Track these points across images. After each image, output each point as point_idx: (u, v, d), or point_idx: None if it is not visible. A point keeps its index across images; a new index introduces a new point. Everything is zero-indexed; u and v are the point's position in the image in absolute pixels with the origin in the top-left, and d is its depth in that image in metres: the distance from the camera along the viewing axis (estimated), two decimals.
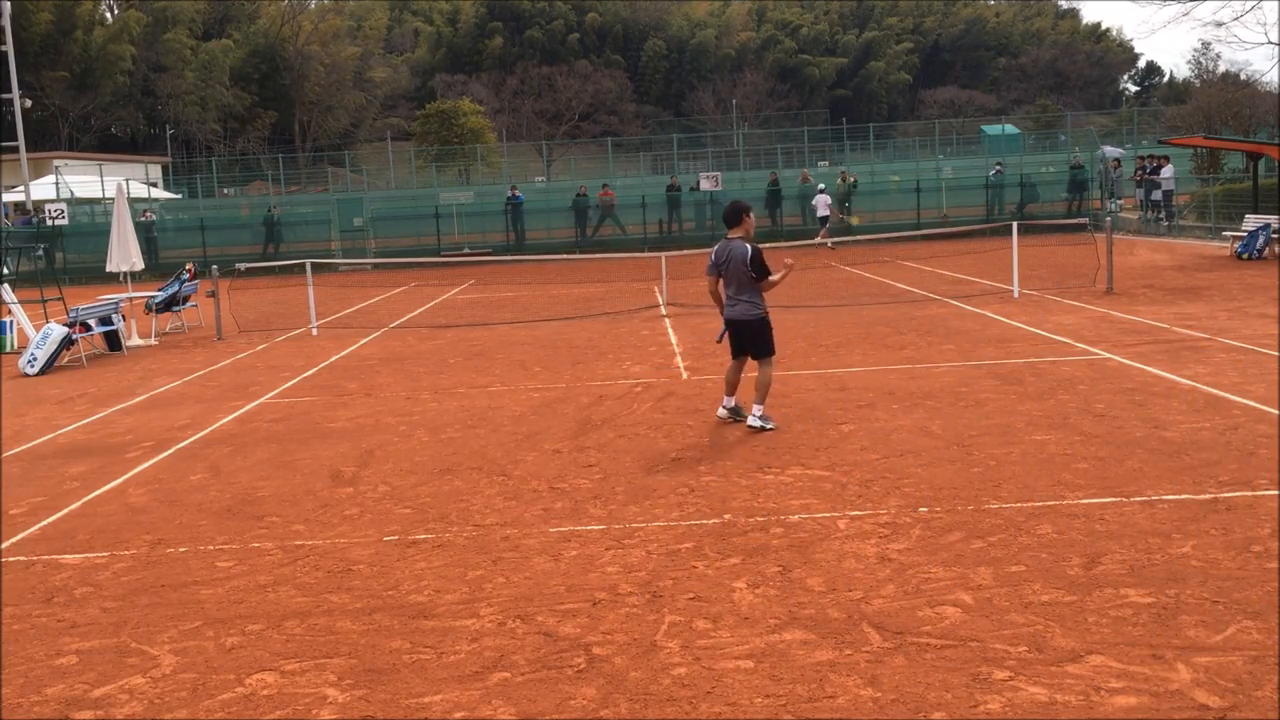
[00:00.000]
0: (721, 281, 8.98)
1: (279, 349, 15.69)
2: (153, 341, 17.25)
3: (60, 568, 6.42)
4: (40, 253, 27.26)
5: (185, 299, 19.06)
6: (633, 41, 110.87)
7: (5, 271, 17.62)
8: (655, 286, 20.40)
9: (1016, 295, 16.80)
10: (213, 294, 17.71)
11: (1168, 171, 30.36)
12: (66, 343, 14.94)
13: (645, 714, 4.22)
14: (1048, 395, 9.59)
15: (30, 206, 38.52)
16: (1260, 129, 37.12)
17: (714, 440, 8.61)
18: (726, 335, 9.12)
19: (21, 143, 39.48)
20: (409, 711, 4.35)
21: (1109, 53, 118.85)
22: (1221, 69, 77.64)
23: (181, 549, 6.62)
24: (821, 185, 33.37)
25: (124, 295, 18.16)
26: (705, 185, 35.45)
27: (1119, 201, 33.33)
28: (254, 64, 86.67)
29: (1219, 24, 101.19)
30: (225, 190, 60.14)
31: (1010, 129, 70.09)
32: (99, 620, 5.53)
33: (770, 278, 8.89)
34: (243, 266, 22.30)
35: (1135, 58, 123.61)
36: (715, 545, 6.14)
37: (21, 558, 6.65)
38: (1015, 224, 18.01)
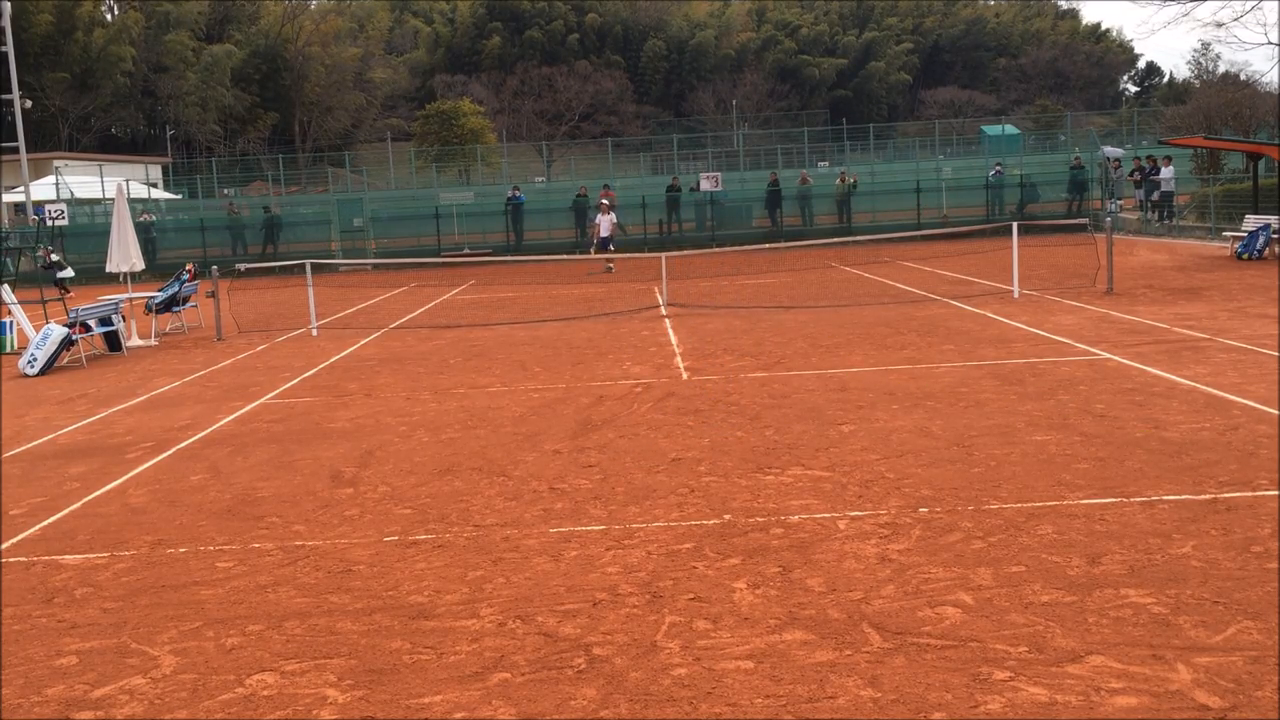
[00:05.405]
0: None
1: (279, 349, 15.69)
2: (153, 342, 17.25)
3: (60, 568, 6.42)
4: (41, 253, 27.24)
5: (185, 299, 19.06)
6: (633, 42, 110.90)
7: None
8: (655, 287, 20.40)
9: (1016, 295, 16.80)
10: (213, 294, 17.72)
11: (1168, 172, 30.35)
12: (66, 343, 14.93)
13: (645, 714, 4.22)
14: (1048, 395, 9.59)
15: None
16: (1260, 129, 37.10)
17: (714, 440, 8.61)
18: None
19: (21, 143, 39.52)
20: (409, 712, 4.35)
21: (1109, 53, 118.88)
22: (1221, 69, 77.75)
23: (181, 549, 6.62)
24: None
25: (124, 296, 18.17)
26: (705, 186, 35.45)
27: (1119, 202, 33.33)
28: (255, 65, 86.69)
29: (1219, 24, 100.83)
30: (225, 191, 60.11)
31: (1010, 129, 70.11)
32: (99, 621, 5.53)
33: None
34: (243, 267, 22.31)
35: (1135, 58, 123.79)
36: (715, 545, 6.14)
37: (21, 558, 6.65)
38: (1015, 224, 18.02)
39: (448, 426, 9.73)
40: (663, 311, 17.62)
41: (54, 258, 28.47)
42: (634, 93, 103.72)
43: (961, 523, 6.30)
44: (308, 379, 12.85)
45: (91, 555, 6.61)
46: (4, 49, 39.32)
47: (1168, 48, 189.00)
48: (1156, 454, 7.51)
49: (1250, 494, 6.55)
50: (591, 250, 28.02)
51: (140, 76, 78.63)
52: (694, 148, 68.96)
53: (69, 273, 28.07)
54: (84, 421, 10.95)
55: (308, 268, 18.00)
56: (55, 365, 14.78)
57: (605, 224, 27.53)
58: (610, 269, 26.81)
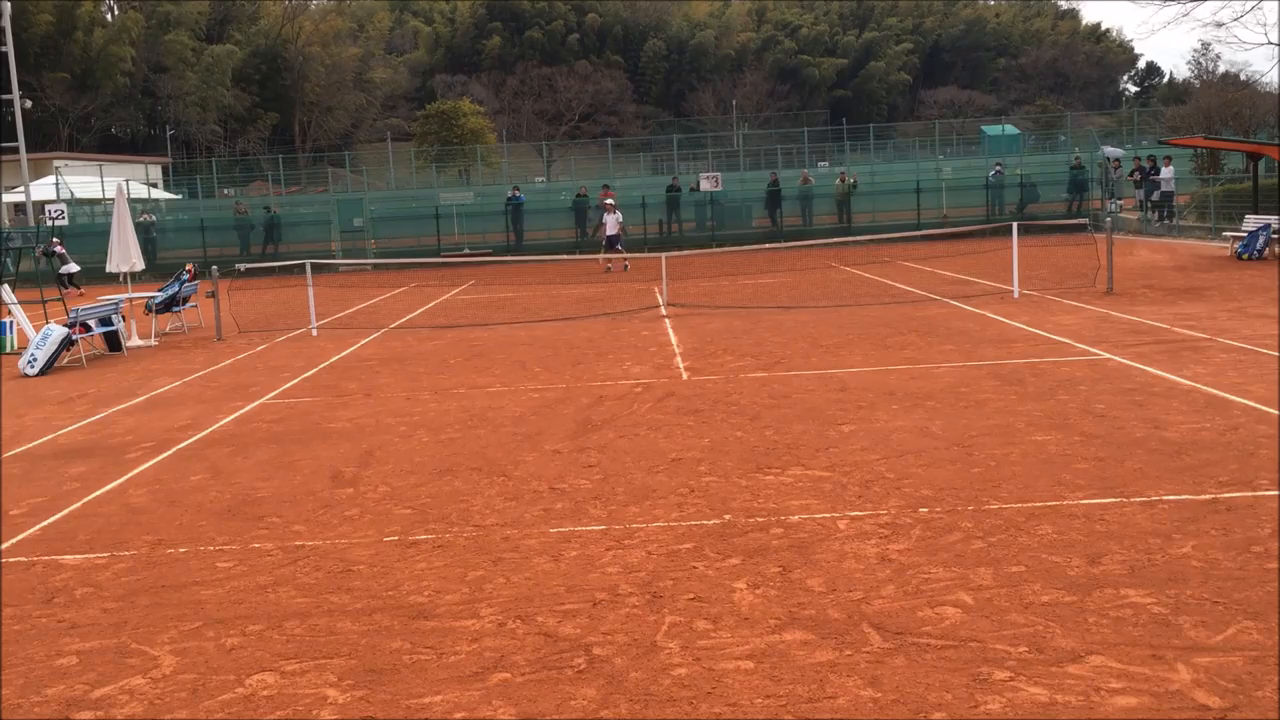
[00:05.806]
0: None
1: (279, 349, 15.69)
2: (153, 342, 17.25)
3: (60, 568, 6.42)
4: (40, 252, 27.28)
5: (185, 299, 19.06)
6: (633, 42, 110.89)
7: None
8: (655, 287, 20.40)
9: (1017, 295, 16.80)
10: (213, 294, 17.72)
11: (1168, 172, 30.35)
12: (66, 343, 14.93)
13: (645, 714, 4.22)
14: (1048, 396, 9.59)
15: None
16: (1260, 129, 37.10)
17: (714, 440, 8.61)
18: None
19: (21, 143, 39.50)
20: (409, 712, 4.35)
21: (1109, 53, 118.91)
22: (1221, 69, 77.73)
23: (181, 549, 6.62)
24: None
25: (124, 296, 18.16)
26: (705, 186, 35.43)
27: (1119, 202, 33.33)
28: (255, 65, 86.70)
29: (1219, 24, 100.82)
30: (225, 191, 60.10)
31: (1010, 129, 70.08)
32: (99, 621, 5.53)
33: None
34: (243, 267, 22.32)
35: (1135, 58, 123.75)
36: (715, 545, 6.14)
37: (21, 558, 6.65)
38: (1015, 224, 18.02)
39: (448, 426, 9.73)
40: (663, 311, 17.62)
41: (58, 249, 28.50)
42: (634, 93, 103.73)
43: (961, 523, 6.30)
44: (308, 379, 12.85)
45: (91, 555, 6.61)
46: (4, 49, 39.31)
47: (1168, 48, 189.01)
48: (1156, 454, 7.51)
49: (1250, 494, 6.55)
50: (601, 252, 28.05)
51: (140, 76, 78.61)
52: (694, 148, 68.91)
53: (73, 267, 28.08)
54: (84, 421, 10.95)
55: (308, 268, 18.00)
56: (55, 365, 14.78)
57: (611, 223, 27.53)
58: (610, 269, 26.83)
